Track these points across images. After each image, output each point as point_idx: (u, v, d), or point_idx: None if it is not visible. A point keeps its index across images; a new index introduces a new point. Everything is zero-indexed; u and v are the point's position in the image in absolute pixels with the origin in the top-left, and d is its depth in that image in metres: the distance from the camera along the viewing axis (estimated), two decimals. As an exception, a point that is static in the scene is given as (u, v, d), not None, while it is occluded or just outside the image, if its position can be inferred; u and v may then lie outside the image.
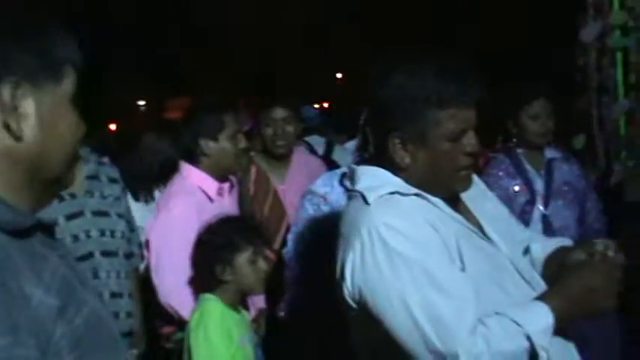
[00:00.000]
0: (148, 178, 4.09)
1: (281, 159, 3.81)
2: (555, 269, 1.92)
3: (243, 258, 2.68)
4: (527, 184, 3.62)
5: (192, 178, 3.16)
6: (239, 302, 2.79)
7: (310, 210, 2.91)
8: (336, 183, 2.88)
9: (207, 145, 3.14)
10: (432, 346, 1.66)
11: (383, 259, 1.72)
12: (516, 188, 3.61)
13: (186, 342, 2.69)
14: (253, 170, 3.79)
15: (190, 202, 3.08)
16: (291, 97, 4.04)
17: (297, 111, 3.87)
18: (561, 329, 1.75)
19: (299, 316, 2.98)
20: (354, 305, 1.79)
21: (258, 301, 3.20)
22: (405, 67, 1.83)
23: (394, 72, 1.83)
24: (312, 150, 4.81)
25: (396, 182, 1.85)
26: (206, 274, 2.72)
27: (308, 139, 5.10)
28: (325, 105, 11.97)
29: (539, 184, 3.63)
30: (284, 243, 3.24)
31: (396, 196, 1.81)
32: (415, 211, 1.79)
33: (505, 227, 1.99)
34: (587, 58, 4.29)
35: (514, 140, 3.69)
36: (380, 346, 1.79)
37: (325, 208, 2.81)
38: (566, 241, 2.10)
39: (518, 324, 1.67)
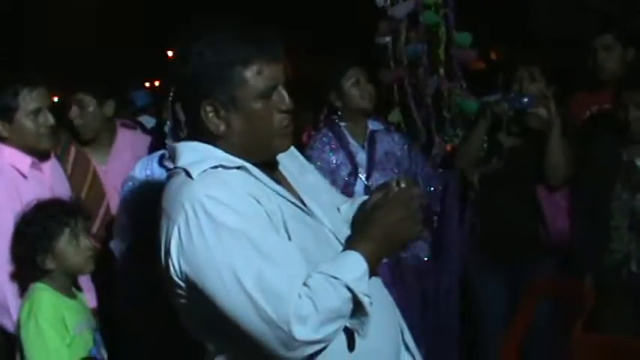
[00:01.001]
0: None
1: (89, 143, 3.75)
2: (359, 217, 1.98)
3: (62, 242, 2.60)
4: (350, 156, 3.70)
5: (3, 157, 3.01)
6: (72, 286, 2.70)
7: None
8: (155, 165, 2.85)
9: (3, 127, 3.00)
10: (266, 317, 1.65)
11: (209, 232, 1.70)
12: (339, 161, 3.69)
13: (18, 336, 2.57)
14: (72, 150, 3.71)
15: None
16: (96, 80, 3.94)
17: (103, 93, 3.77)
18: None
19: (134, 310, 2.90)
20: (181, 284, 1.76)
21: (90, 300, 3.07)
22: (204, 36, 1.81)
23: (194, 43, 1.81)
24: (145, 130, 4.78)
25: (219, 155, 1.83)
26: (29, 265, 2.62)
27: (141, 119, 5.13)
28: (156, 83, 11.75)
29: (361, 156, 3.74)
30: (108, 231, 3.16)
31: (220, 169, 1.80)
32: (238, 184, 1.78)
33: (327, 199, 2.02)
34: (396, 34, 4.41)
35: (339, 113, 3.78)
36: (212, 324, 1.77)
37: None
38: None
39: (336, 278, 1.70)
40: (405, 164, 3.79)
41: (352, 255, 1.77)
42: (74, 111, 3.70)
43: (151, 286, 2.64)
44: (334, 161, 3.68)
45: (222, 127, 1.83)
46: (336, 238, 1.91)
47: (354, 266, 1.74)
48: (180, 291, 1.78)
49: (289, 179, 1.97)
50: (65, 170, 3.51)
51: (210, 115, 1.83)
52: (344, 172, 3.66)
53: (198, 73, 1.81)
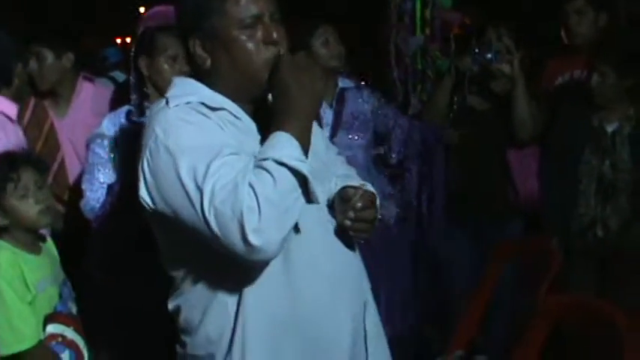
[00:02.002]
0: None
1: (49, 95, 3.76)
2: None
3: (10, 197, 2.49)
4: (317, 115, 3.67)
5: None
6: (35, 240, 2.60)
7: (103, 154, 2.84)
8: (123, 121, 2.82)
9: None
10: (225, 219, 1.62)
11: (174, 149, 1.69)
12: None
13: None
14: (32, 101, 3.71)
15: None
16: (53, 33, 3.95)
17: (61, 46, 3.77)
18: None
19: (108, 270, 2.88)
20: (149, 201, 1.75)
21: None
22: None
23: None
24: (117, 85, 4.80)
25: (206, 93, 1.82)
26: None
27: (113, 74, 5.17)
28: (128, 40, 11.63)
29: (328, 115, 3.71)
30: (77, 192, 3.12)
31: (202, 106, 1.79)
32: (212, 118, 1.77)
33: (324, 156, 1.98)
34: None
35: None
36: (178, 245, 1.79)
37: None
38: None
39: (264, 159, 1.67)
40: (372, 124, 3.77)
41: (281, 136, 1.70)
42: (32, 63, 3.69)
43: (126, 246, 2.63)
44: None
45: (209, 62, 1.82)
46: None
47: (278, 144, 1.69)
48: (151, 214, 1.78)
49: None
50: (22, 122, 3.52)
51: (199, 49, 1.82)
52: None
53: (185, 6, 1.83)
